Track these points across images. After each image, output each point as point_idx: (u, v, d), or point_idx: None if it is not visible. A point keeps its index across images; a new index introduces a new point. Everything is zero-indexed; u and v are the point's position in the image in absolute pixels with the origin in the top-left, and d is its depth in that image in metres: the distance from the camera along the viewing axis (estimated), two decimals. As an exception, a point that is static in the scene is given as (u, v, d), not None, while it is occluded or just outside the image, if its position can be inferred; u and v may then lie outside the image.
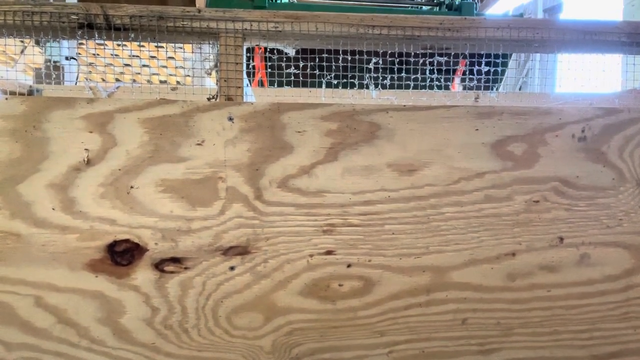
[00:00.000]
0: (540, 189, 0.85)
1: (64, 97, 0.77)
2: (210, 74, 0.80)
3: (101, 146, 0.78)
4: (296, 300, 0.83)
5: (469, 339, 0.85)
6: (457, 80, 2.46)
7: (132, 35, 0.79)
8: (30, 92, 1.61)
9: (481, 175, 0.84)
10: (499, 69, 0.97)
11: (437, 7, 3.01)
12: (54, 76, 1.37)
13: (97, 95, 1.57)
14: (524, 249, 0.85)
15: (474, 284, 0.85)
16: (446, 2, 2.94)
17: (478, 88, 1.01)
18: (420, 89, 0.96)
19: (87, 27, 0.78)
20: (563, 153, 0.85)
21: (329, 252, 0.83)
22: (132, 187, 0.79)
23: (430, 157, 0.84)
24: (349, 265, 0.83)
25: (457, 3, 2.80)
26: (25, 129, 0.77)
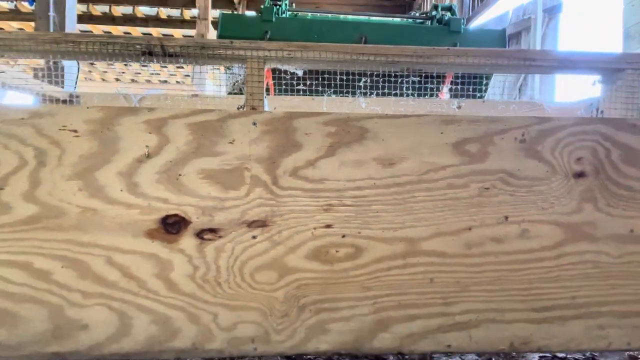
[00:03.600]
0: (490, 179, 1.11)
1: (131, 107, 1.03)
2: (240, 88, 1.06)
3: (157, 144, 1.04)
4: (303, 262, 1.08)
5: (435, 294, 1.11)
6: (445, 89, 2.73)
7: (182, 60, 1.05)
8: (70, 99, 1.88)
9: (445, 168, 1.10)
10: (478, 86, 1.23)
11: (429, 22, 3.27)
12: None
13: (129, 102, 1.84)
14: (477, 225, 1.11)
15: (439, 252, 1.10)
16: (437, 17, 3.20)
17: (461, 97, 1.27)
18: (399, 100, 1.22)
19: (148, 54, 1.04)
20: (508, 151, 1.11)
21: (328, 226, 1.08)
22: (180, 175, 1.05)
23: (406, 153, 1.10)
24: (343, 236, 1.09)
25: (446, 18, 3.06)
26: (101, 130, 1.03)
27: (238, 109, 1.09)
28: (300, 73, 1.12)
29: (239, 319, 1.07)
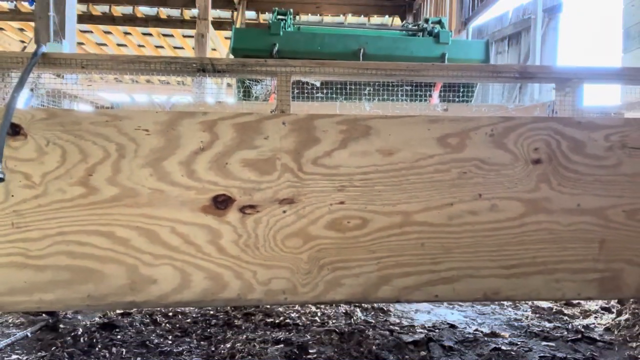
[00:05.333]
0: (467, 165, 1.42)
1: (189, 111, 1.33)
2: (269, 95, 1.37)
3: (209, 140, 1.35)
4: (322, 231, 1.39)
5: (425, 255, 1.42)
6: (435, 95, 3.05)
7: (227, 75, 1.36)
8: (112, 106, 2.19)
9: (432, 157, 1.41)
10: (465, 93, 1.54)
11: (420, 33, 3.61)
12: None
13: (162, 109, 2.15)
14: (457, 201, 1.42)
15: (428, 222, 1.41)
16: (427, 29, 3.54)
17: (448, 101, 1.58)
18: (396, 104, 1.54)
19: (202, 71, 1.35)
20: (480, 143, 1.42)
21: (341, 202, 1.39)
22: (227, 163, 1.35)
23: (402, 146, 1.41)
24: (353, 210, 1.39)
25: (435, 31, 3.40)
26: (167, 130, 1.33)
27: (271, 112, 1.39)
28: (318, 84, 1.43)
29: (273, 275, 1.37)
